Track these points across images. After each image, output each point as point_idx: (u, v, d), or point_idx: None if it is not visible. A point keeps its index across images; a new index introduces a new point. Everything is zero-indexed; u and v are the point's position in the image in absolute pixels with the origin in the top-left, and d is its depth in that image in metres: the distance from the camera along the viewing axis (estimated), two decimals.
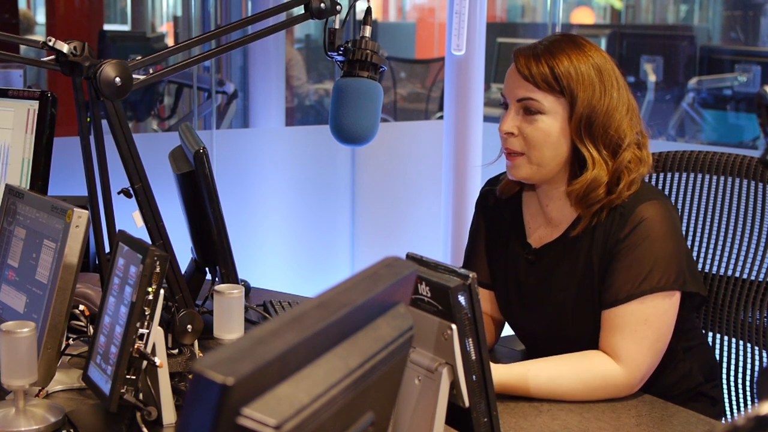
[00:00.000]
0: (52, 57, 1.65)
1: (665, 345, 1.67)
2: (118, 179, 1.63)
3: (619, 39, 5.92)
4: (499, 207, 1.87)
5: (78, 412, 1.51)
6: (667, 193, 1.99)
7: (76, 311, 1.59)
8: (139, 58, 1.63)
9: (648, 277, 1.63)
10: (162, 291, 1.39)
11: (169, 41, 6.58)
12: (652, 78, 5.44)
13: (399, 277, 0.97)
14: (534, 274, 1.78)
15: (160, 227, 1.65)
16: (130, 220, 1.66)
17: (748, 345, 1.91)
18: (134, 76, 1.60)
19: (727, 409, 1.95)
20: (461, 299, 1.19)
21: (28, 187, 1.92)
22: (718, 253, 1.94)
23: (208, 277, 1.97)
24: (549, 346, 1.73)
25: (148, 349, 1.39)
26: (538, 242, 1.79)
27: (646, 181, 1.79)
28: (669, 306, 1.65)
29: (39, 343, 1.46)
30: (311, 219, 4.24)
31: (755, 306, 1.87)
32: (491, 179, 1.92)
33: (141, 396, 1.46)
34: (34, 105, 1.94)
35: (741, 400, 1.95)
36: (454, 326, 1.20)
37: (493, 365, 1.38)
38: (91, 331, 1.54)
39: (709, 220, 1.96)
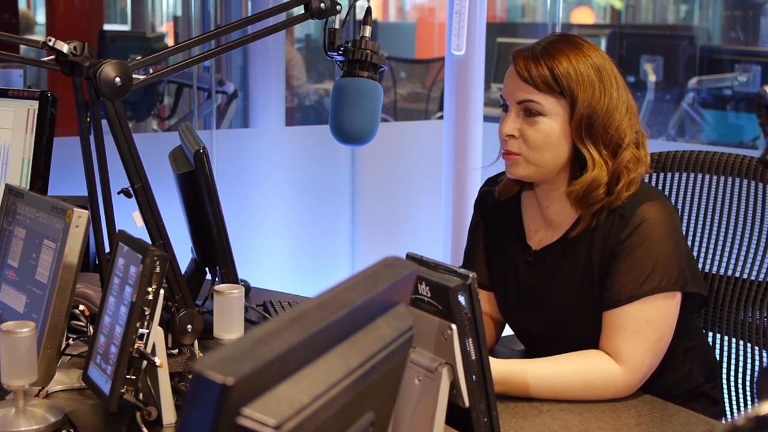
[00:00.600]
0: (52, 57, 1.65)
1: (666, 345, 1.67)
2: (118, 179, 1.63)
3: (619, 39, 5.91)
4: (498, 207, 1.86)
5: (78, 412, 1.51)
6: (667, 193, 1.99)
7: (76, 311, 1.59)
8: (139, 58, 1.63)
9: (649, 278, 1.63)
10: (162, 291, 1.39)
11: (169, 41, 6.57)
12: (652, 78, 5.43)
13: (399, 277, 0.97)
14: (534, 276, 1.78)
15: (160, 227, 1.65)
16: (130, 220, 1.66)
17: (748, 345, 1.90)
18: (134, 76, 1.60)
19: (727, 409, 1.95)
20: (461, 299, 1.19)
21: (28, 187, 1.92)
22: (718, 253, 1.94)
23: (208, 277, 1.97)
24: (548, 346, 1.73)
25: (148, 349, 1.39)
26: (538, 244, 1.79)
27: (647, 181, 1.79)
28: (670, 307, 1.65)
29: (39, 343, 1.46)
30: (311, 219, 4.24)
31: (755, 306, 1.87)
32: (490, 179, 1.92)
33: (141, 396, 1.45)
34: (34, 105, 1.94)
35: (741, 400, 1.95)
36: (454, 326, 1.20)
37: (492, 360, 1.38)
38: (91, 331, 1.53)
39: (709, 220, 1.96)
